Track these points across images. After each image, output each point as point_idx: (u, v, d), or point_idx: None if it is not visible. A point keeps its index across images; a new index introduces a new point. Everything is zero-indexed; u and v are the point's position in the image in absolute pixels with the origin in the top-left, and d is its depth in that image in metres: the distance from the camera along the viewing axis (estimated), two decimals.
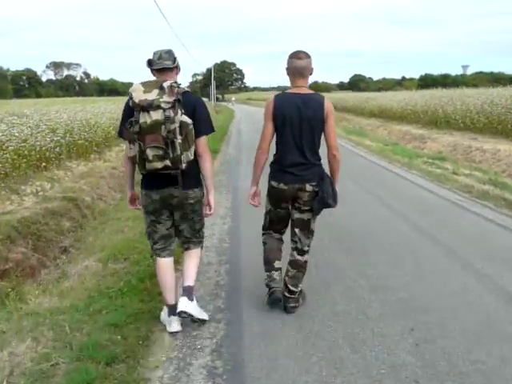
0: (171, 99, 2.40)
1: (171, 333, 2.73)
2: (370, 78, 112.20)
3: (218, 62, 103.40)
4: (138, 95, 2.41)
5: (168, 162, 2.41)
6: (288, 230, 3.14)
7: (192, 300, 2.68)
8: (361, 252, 4.16)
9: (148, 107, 2.37)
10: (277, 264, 3.05)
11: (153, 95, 2.39)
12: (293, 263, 3.04)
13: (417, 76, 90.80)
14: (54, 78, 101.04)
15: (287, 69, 2.93)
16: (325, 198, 2.86)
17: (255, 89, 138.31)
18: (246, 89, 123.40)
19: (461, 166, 8.86)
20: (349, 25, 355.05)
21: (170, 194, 2.60)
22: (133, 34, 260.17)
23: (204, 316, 2.81)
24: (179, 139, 2.42)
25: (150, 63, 2.59)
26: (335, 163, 2.97)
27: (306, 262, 3.06)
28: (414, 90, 28.83)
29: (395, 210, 5.65)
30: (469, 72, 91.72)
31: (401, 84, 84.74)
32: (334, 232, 4.70)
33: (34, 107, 13.14)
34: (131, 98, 2.44)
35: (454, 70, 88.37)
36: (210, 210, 2.81)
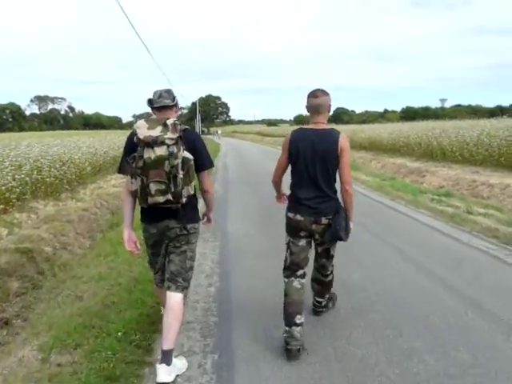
0: (175, 136, 2.48)
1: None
2: (352, 110, 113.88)
3: (203, 95, 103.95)
4: (143, 132, 2.48)
5: (170, 197, 2.47)
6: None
7: (169, 364, 2.52)
8: (391, 332, 3.15)
9: (153, 143, 2.44)
10: (298, 319, 2.87)
11: (157, 132, 2.46)
12: (317, 281, 3.25)
13: (398, 109, 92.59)
14: (38, 112, 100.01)
15: (306, 107, 3.04)
16: (337, 230, 2.90)
17: (240, 122, 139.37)
18: (232, 122, 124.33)
19: (472, 204, 8.02)
20: (332, 60, 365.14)
21: (167, 226, 2.63)
22: (118, 68, 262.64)
23: (184, 367, 2.69)
24: (181, 174, 2.48)
25: (150, 102, 2.68)
26: (348, 197, 3.00)
27: (330, 281, 3.30)
28: (401, 123, 28.76)
29: (420, 265, 4.66)
30: (447, 105, 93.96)
31: (383, 116, 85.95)
32: (352, 299, 3.71)
33: (3, 142, 12.07)
34: (136, 134, 2.50)
35: (433, 104, 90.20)
36: (209, 221, 3.02)
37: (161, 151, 2.43)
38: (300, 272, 3.01)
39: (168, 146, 2.44)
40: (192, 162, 2.56)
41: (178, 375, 2.57)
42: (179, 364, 2.65)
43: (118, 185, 10.74)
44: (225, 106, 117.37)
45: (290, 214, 3.03)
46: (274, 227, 6.09)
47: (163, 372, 2.45)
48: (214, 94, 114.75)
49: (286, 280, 3.02)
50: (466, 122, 20.16)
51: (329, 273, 3.22)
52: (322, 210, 2.91)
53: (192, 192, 2.60)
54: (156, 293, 3.07)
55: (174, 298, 2.63)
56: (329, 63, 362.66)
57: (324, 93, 3.00)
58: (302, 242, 3.01)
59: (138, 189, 2.50)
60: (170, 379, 2.47)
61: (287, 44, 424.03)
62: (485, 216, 6.87)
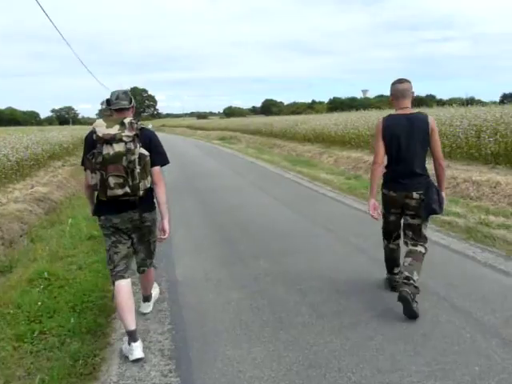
0: (132, 133, 2.72)
1: (134, 360, 2.75)
2: (281, 102, 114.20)
3: (129, 88, 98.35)
4: (102, 130, 2.69)
5: (128, 189, 2.71)
6: None
7: (150, 301, 3.49)
8: None
9: (111, 140, 2.66)
10: (395, 270, 3.65)
11: (115, 130, 2.69)
12: (408, 253, 3.41)
13: (325, 99, 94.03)
14: None
15: (392, 95, 3.47)
16: (430, 204, 3.25)
17: (168, 115, 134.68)
18: (159, 115, 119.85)
19: (474, 209, 6.59)
20: (256, 52, 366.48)
21: (130, 218, 2.90)
22: (31, 60, 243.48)
23: (157, 293, 3.67)
24: (138, 169, 2.73)
25: (108, 103, 2.94)
26: (441, 171, 3.48)
27: (421, 252, 3.39)
28: (330, 113, 27.85)
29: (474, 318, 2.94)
30: (369, 95, 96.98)
31: (311, 107, 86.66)
32: None
33: None
34: (95, 132, 2.70)
35: (355, 94, 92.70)
36: (164, 235, 3.07)
37: (119, 147, 2.67)
38: (394, 235, 3.63)
39: (126, 142, 2.68)
40: (148, 158, 2.81)
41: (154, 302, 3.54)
42: (155, 292, 3.64)
43: (24, 199, 8.11)
44: (152, 98, 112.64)
45: (385, 191, 3.50)
46: (246, 265, 4.17)
47: (148, 308, 3.47)
48: (140, 87, 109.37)
49: (385, 243, 3.71)
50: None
51: (421, 243, 3.43)
52: (413, 185, 3.33)
53: (148, 185, 2.86)
54: (116, 292, 2.92)
55: (149, 273, 3.30)
56: (253, 55, 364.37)
57: (407, 80, 3.45)
58: (393, 217, 3.55)
59: (98, 182, 2.72)
60: (149, 310, 3.45)
61: (210, 36, 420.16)
62: (509, 230, 5.38)
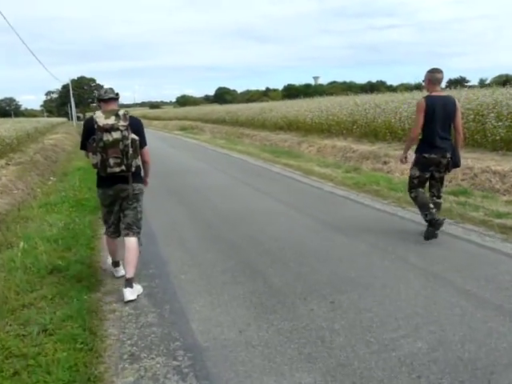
0: (126, 123, 3.36)
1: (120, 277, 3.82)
2: (234, 90, 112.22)
3: (76, 78, 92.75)
4: (101, 121, 3.30)
5: (124, 167, 3.38)
6: None
7: (132, 287, 3.50)
8: None
9: (110, 129, 3.29)
10: (431, 205, 4.54)
11: (112, 120, 3.31)
12: (435, 204, 4.59)
13: (278, 87, 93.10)
14: None
15: (428, 80, 4.50)
16: (457, 161, 4.58)
17: (119, 105, 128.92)
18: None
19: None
20: (206, 40, 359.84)
21: (121, 189, 3.56)
22: None
23: (140, 291, 3.62)
24: (131, 151, 3.38)
25: (99, 95, 3.61)
26: (460, 139, 4.68)
27: (440, 202, 4.75)
28: (287, 100, 26.78)
29: None
30: (322, 82, 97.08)
31: (266, 95, 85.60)
32: None
33: None
34: (96, 122, 3.31)
35: (307, 81, 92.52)
36: (145, 184, 3.92)
37: (116, 135, 3.30)
38: (423, 186, 4.66)
39: (121, 131, 3.32)
40: (138, 142, 3.48)
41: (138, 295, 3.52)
42: (138, 287, 3.61)
43: None
44: (101, 88, 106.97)
45: (426, 154, 4.45)
46: (295, 314, 2.81)
47: (129, 293, 3.44)
48: (88, 76, 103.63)
49: (416, 191, 4.61)
50: (360, 96, 18.68)
51: (441, 195, 4.78)
52: (447, 149, 4.45)
53: (139, 163, 3.57)
54: (106, 243, 3.94)
55: (132, 241, 3.64)
56: (201, 43, 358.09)
57: (441, 70, 4.47)
58: (428, 175, 4.56)
59: (99, 162, 3.38)
60: (134, 297, 3.46)
61: (159, 24, 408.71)
62: None
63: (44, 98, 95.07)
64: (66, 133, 27.60)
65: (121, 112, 3.38)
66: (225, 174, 9.56)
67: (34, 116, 65.31)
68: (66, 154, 16.97)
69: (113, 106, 3.55)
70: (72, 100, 51.57)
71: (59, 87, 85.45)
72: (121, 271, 3.86)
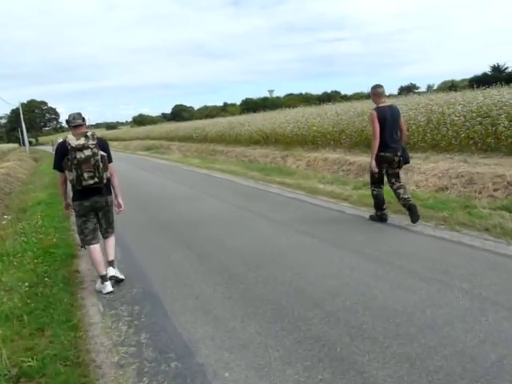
0: (94, 142, 3.89)
1: (107, 293, 4.03)
2: (191, 107, 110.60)
3: (25, 101, 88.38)
4: (73, 142, 3.82)
5: (97, 180, 3.91)
6: None
7: (115, 268, 4.29)
8: None
9: (82, 148, 3.82)
10: (384, 206, 5.62)
11: (82, 141, 3.84)
12: (398, 187, 5.46)
13: (235, 101, 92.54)
14: None
15: (374, 94, 5.48)
16: (407, 159, 5.51)
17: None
18: (62, 129, 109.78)
19: None
20: (159, 58, 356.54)
21: (96, 201, 4.07)
22: None
23: (122, 276, 4.32)
24: (101, 165, 3.91)
25: (68, 122, 4.07)
26: (404, 136, 5.72)
27: (404, 184, 5.64)
28: (247, 114, 25.78)
29: None
30: (274, 95, 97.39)
31: (225, 110, 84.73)
32: None
33: None
34: (69, 144, 3.82)
35: (262, 95, 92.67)
36: (120, 207, 4.37)
37: (88, 152, 3.83)
38: (382, 182, 5.57)
39: (91, 148, 3.85)
40: (106, 158, 4.01)
41: (120, 278, 4.31)
42: (121, 274, 4.36)
43: None
44: (53, 111, 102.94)
45: (382, 153, 5.32)
46: None
47: (112, 270, 4.23)
48: (38, 99, 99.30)
49: (377, 189, 5.57)
50: (321, 107, 18.05)
51: (401, 181, 5.55)
52: (398, 149, 5.38)
53: (108, 176, 4.07)
54: (92, 254, 4.17)
55: (111, 238, 4.36)
56: (156, 61, 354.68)
57: (382, 85, 5.48)
58: (384, 170, 5.46)
59: (74, 177, 3.86)
60: (115, 274, 4.26)
61: (109, 44, 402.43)
62: None
63: None
64: (19, 159, 25.27)
65: (89, 133, 3.94)
66: (217, 199, 8.19)
67: None
68: (21, 184, 15.05)
69: (82, 129, 4.03)
70: (23, 124, 48.45)
71: (8, 112, 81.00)
72: (108, 287, 4.11)
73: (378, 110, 5.32)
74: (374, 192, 5.57)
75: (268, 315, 3.28)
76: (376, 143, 5.29)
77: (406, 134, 5.65)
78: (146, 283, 4.24)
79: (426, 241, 4.75)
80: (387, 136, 5.28)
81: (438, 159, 9.06)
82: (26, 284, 4.33)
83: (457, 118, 9.58)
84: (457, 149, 9.40)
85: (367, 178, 10.06)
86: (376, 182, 5.54)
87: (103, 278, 4.12)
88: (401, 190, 5.40)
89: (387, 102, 5.54)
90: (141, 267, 4.75)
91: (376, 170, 5.42)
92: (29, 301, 3.90)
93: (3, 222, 8.08)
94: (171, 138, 30.69)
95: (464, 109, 9.83)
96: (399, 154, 5.37)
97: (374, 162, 5.37)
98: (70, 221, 7.30)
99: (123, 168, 16.42)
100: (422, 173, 8.52)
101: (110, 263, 4.27)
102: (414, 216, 5.24)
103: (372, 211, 5.92)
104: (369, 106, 14.16)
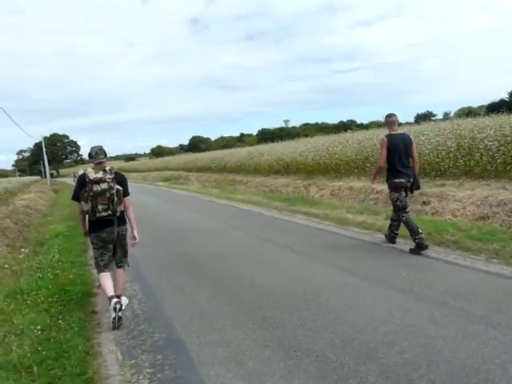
0: (112, 176, 4.06)
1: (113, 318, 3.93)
2: (208, 138, 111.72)
3: (48, 135, 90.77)
4: (92, 175, 4.00)
5: (110, 212, 4.04)
6: None
7: (120, 298, 4.27)
8: None
9: (99, 181, 3.99)
10: (419, 230, 5.39)
11: (100, 174, 4.01)
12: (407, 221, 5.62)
13: (251, 132, 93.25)
14: None
15: (388, 122, 5.73)
16: (418, 185, 5.72)
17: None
18: (83, 161, 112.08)
19: None
20: (175, 92, 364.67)
21: (112, 231, 4.18)
22: None
23: (126, 301, 4.57)
24: (116, 198, 4.06)
25: (90, 156, 4.24)
26: (417, 165, 5.76)
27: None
28: (265, 144, 25.60)
29: None
30: (293, 124, 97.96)
31: (241, 140, 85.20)
32: None
33: None
34: (88, 176, 4.01)
35: (278, 125, 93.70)
36: (135, 240, 4.34)
37: (104, 186, 4.00)
38: (408, 209, 5.64)
39: (108, 182, 4.01)
40: (121, 192, 4.14)
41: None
42: (124, 299, 4.55)
43: None
44: (74, 144, 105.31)
45: (396, 180, 5.53)
46: None
47: (123, 300, 4.37)
48: (60, 133, 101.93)
49: (405, 215, 5.53)
50: (342, 135, 17.78)
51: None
52: (410, 175, 5.54)
53: (122, 209, 4.22)
54: (103, 281, 4.19)
55: (121, 271, 4.43)
56: (172, 94, 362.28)
57: (395, 114, 5.72)
58: (403, 194, 5.57)
59: (89, 209, 4.02)
60: (126, 302, 4.51)
61: (126, 79, 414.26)
62: None
63: (15, 157, 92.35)
64: (40, 191, 25.43)
65: (107, 168, 4.07)
66: (241, 231, 7.77)
67: (6, 176, 62.60)
68: (40, 216, 14.91)
69: (102, 164, 4.15)
70: (45, 157, 49.37)
71: (31, 146, 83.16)
72: (112, 303, 4.02)
73: (390, 136, 5.56)
74: (403, 218, 5.51)
75: (313, 370, 2.80)
76: (381, 166, 5.69)
77: (416, 160, 5.71)
78: (169, 327, 3.81)
79: (481, 277, 4.23)
80: (398, 162, 5.46)
81: (473, 186, 8.54)
82: (39, 327, 3.93)
83: (490, 143, 9.10)
84: (493, 175, 8.86)
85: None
86: (401, 208, 5.57)
87: (110, 300, 4.12)
88: (423, 235, 5.37)
89: (399, 130, 5.82)
90: (162, 308, 4.32)
91: (396, 196, 5.59)
92: (40, 348, 3.49)
93: (20, 256, 7.79)
94: (189, 169, 30.68)
95: (496, 133, 9.39)
96: (411, 180, 5.56)
97: (374, 177, 6.13)
98: (87, 255, 6.98)
99: (142, 199, 16.22)
100: (458, 201, 7.99)
101: (118, 297, 4.22)
102: (415, 252, 5.30)
103: (410, 243, 5.43)
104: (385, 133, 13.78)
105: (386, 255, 5.37)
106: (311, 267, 5.09)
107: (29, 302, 4.76)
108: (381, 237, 6.28)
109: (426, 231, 6.07)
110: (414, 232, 5.29)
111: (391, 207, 9.31)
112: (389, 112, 5.76)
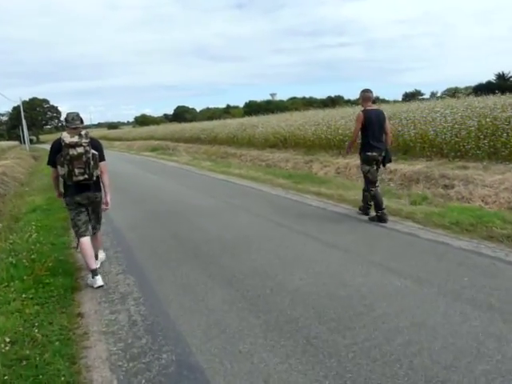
0: (87, 141, 4.06)
1: (98, 287, 4.04)
2: (193, 108, 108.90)
3: (27, 99, 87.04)
4: (67, 139, 3.98)
5: (86, 176, 4.07)
6: None
7: (97, 259, 4.50)
8: None
9: (75, 145, 3.98)
10: (383, 205, 5.77)
11: (76, 139, 4.00)
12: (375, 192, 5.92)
13: (238, 104, 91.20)
14: None
15: (362, 98, 5.90)
16: (390, 158, 5.89)
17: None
18: (64, 128, 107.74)
19: None
20: (162, 59, 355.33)
21: (87, 196, 4.24)
22: None
23: (104, 257, 4.90)
24: (92, 163, 4.08)
25: (66, 121, 4.21)
26: (389, 139, 5.99)
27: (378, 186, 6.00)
28: (253, 116, 24.51)
29: None
30: (276, 98, 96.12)
31: (228, 112, 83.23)
32: None
33: None
34: (63, 140, 3.99)
35: (265, 98, 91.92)
36: (107, 206, 4.45)
37: (80, 150, 4.00)
38: (377, 181, 5.85)
39: (84, 146, 4.01)
40: (97, 156, 4.17)
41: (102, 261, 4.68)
42: (102, 255, 4.84)
43: None
44: (55, 109, 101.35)
45: (369, 153, 5.73)
46: None
47: (100, 255, 4.77)
48: (40, 97, 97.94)
49: (374, 189, 5.78)
50: (343, 110, 17.00)
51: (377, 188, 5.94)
52: (382, 148, 5.76)
53: (98, 173, 4.23)
54: (84, 248, 4.22)
55: (98, 234, 4.65)
56: (159, 62, 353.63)
57: (370, 90, 5.91)
58: (374, 168, 5.80)
59: (66, 173, 4.03)
60: (103, 258, 4.85)
61: (112, 44, 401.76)
62: None
63: None
64: (18, 158, 23.95)
65: (83, 132, 4.11)
66: (249, 213, 6.82)
67: None
68: (17, 184, 13.72)
69: (78, 129, 4.14)
70: (24, 122, 47.09)
71: (9, 109, 79.76)
72: (98, 281, 4.13)
73: (365, 111, 5.77)
74: (372, 192, 5.80)
75: None
76: (353, 139, 6.10)
77: (389, 135, 5.97)
78: (181, 345, 2.92)
79: None
80: (371, 136, 5.70)
81: (502, 170, 7.75)
82: (7, 339, 3.01)
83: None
84: None
85: (413, 188, 8.87)
86: (371, 181, 5.80)
87: (94, 273, 4.17)
88: (385, 210, 5.75)
89: (373, 106, 6.09)
90: (167, 314, 3.42)
91: (367, 169, 5.80)
92: (6, 376, 2.57)
93: None
94: (176, 139, 29.37)
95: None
96: (383, 153, 5.78)
97: (348, 147, 6.35)
98: (70, 233, 5.99)
99: (130, 171, 15.07)
100: (488, 186, 7.20)
101: (95, 257, 4.44)
102: (375, 219, 5.76)
103: (462, 238, 4.61)
104: (393, 110, 12.94)
105: (432, 252, 4.52)
106: (345, 263, 4.22)
107: None
108: (417, 227, 5.44)
109: (466, 222, 5.26)
110: (378, 206, 5.70)
111: (396, 186, 8.76)
112: (364, 88, 5.96)
